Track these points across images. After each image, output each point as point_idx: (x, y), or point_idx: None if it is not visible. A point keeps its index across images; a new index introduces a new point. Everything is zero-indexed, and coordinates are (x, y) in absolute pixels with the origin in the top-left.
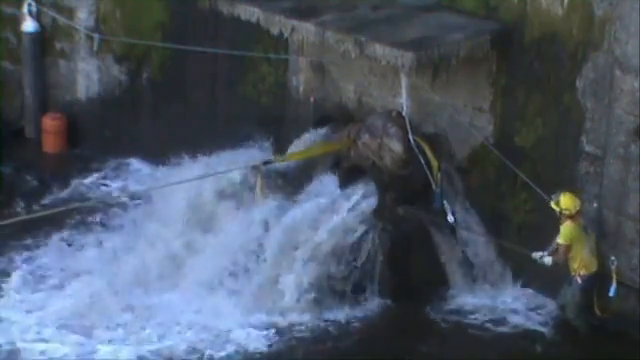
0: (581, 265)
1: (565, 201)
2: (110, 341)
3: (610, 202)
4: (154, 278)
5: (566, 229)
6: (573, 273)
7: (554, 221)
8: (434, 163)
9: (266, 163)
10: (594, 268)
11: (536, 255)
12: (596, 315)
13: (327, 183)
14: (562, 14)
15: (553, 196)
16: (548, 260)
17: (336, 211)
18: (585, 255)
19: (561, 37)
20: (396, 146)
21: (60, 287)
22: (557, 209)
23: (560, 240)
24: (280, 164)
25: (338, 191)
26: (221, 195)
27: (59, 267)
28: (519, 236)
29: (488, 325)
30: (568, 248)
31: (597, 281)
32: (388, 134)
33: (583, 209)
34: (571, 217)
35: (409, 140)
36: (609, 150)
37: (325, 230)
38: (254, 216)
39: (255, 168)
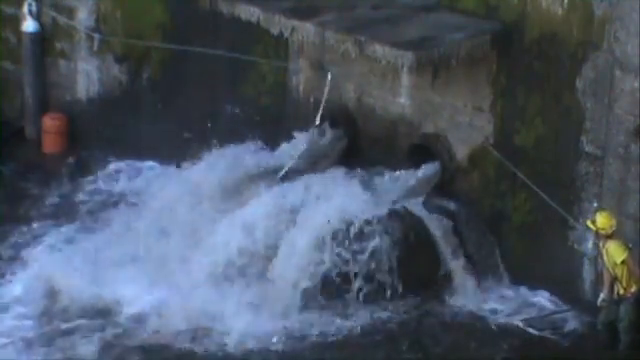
0: (631, 282)
1: (601, 220)
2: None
3: (610, 202)
4: (154, 274)
5: (615, 247)
6: (623, 292)
7: (553, 221)
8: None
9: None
10: None
11: (601, 301)
12: None
13: (329, 181)
14: (562, 14)
15: (589, 215)
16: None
17: (337, 212)
18: (633, 269)
19: (561, 37)
20: None
21: None
22: (593, 228)
23: (617, 260)
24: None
25: (341, 191)
26: (222, 191)
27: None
28: (519, 236)
29: (489, 325)
30: (628, 261)
31: None
32: None
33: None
34: (608, 236)
35: None
36: (609, 150)
37: (324, 231)
38: (253, 215)
39: None
